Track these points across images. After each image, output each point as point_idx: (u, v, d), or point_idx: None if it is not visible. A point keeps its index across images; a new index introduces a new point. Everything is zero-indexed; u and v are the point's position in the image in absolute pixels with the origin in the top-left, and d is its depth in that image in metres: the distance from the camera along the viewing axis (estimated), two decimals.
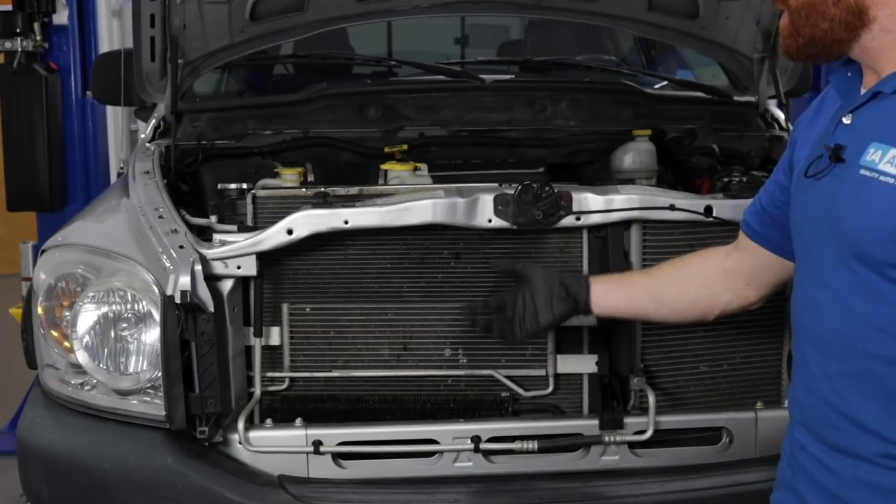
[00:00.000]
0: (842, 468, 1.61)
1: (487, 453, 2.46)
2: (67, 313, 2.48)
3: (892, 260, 1.50)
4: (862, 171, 1.54)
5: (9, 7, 4.77)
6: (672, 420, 2.51)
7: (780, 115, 3.37)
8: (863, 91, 1.62)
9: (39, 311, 2.54)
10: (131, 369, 2.44)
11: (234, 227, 2.52)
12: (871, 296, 1.54)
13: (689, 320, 2.13)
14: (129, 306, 2.42)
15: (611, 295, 2.13)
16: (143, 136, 3.45)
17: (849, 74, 1.65)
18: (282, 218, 2.42)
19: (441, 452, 2.47)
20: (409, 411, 2.56)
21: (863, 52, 1.60)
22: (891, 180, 1.49)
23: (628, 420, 2.47)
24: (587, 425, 2.49)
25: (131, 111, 4.32)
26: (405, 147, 3.16)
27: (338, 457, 2.46)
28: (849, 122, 1.61)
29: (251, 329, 2.50)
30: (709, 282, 2.04)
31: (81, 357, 2.44)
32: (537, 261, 2.53)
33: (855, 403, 1.58)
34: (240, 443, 2.43)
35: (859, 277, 1.55)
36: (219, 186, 2.74)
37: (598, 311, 2.15)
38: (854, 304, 1.56)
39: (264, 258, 2.44)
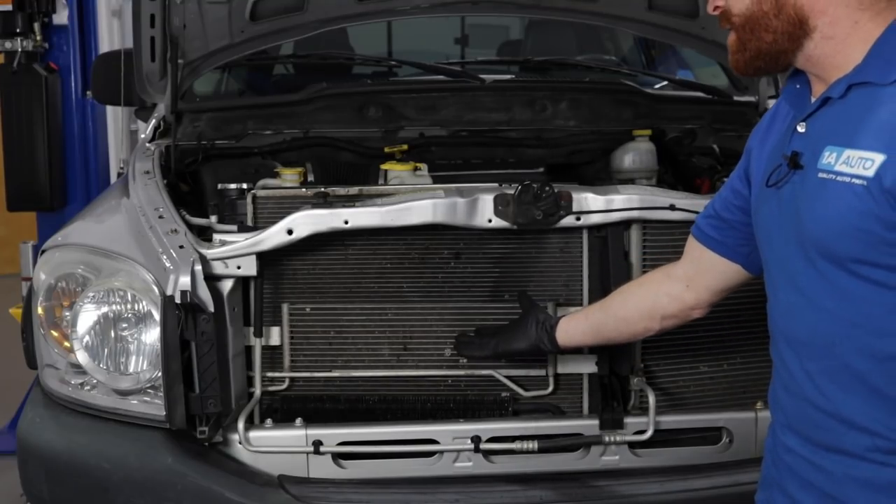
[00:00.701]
0: (832, 466, 1.63)
1: (487, 453, 2.46)
2: (67, 313, 2.48)
3: (855, 255, 1.55)
4: (820, 174, 1.59)
5: (9, 7, 4.77)
6: (672, 420, 2.51)
7: None
8: (813, 99, 1.68)
9: (39, 311, 2.54)
10: (131, 369, 2.44)
11: (234, 227, 2.52)
12: (840, 293, 1.58)
13: (637, 330, 2.19)
14: (129, 306, 2.42)
15: (572, 322, 2.28)
16: (143, 136, 3.45)
17: (797, 87, 1.72)
18: (282, 218, 2.42)
19: (441, 452, 2.46)
20: (409, 411, 2.56)
21: (807, 60, 1.66)
22: (847, 179, 1.54)
23: (628, 420, 2.47)
24: (587, 425, 2.49)
25: (131, 111, 4.32)
26: (405, 147, 3.16)
27: (338, 457, 2.46)
28: (803, 130, 1.66)
29: (251, 329, 2.50)
30: (651, 288, 2.13)
31: (81, 357, 2.44)
32: (537, 261, 2.54)
33: (838, 401, 1.60)
34: (240, 443, 2.43)
35: (827, 277, 1.59)
36: (219, 186, 2.75)
37: (563, 344, 2.30)
38: (826, 304, 1.60)
39: (264, 258, 2.44)
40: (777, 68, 1.70)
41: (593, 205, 2.45)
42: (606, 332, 2.24)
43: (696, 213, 2.43)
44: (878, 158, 1.51)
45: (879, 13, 1.60)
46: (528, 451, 2.44)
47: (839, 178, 1.55)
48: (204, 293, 2.34)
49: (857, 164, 1.53)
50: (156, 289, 2.37)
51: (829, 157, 1.58)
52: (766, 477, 1.80)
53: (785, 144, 1.70)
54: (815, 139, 1.63)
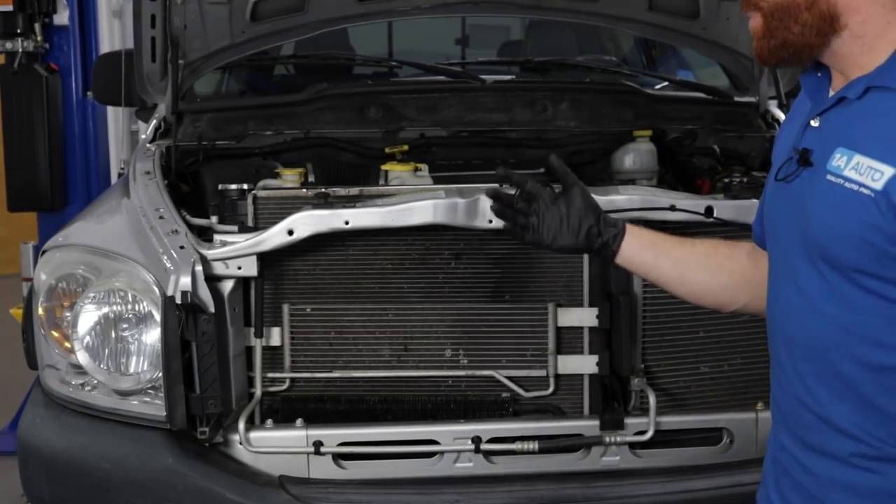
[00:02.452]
0: (819, 469, 1.63)
1: (488, 454, 2.46)
2: (68, 314, 2.48)
3: (857, 265, 1.52)
4: (828, 177, 1.55)
5: (9, 7, 4.77)
6: (673, 420, 2.51)
7: (781, 116, 3.36)
8: (831, 93, 1.64)
9: (40, 311, 2.54)
10: (132, 370, 2.44)
11: (235, 228, 2.52)
12: (839, 299, 1.56)
13: (703, 305, 2.04)
14: (129, 307, 2.42)
15: (641, 252, 1.99)
16: (143, 136, 3.45)
17: (818, 75, 1.68)
18: (282, 218, 2.42)
19: (442, 453, 2.46)
20: (409, 412, 2.56)
21: (832, 56, 1.62)
22: (855, 187, 1.50)
23: (629, 421, 2.47)
24: (588, 426, 2.49)
25: (132, 112, 4.31)
26: (406, 147, 3.16)
27: (338, 457, 2.46)
28: (817, 125, 1.63)
29: (252, 329, 2.50)
30: (732, 279, 1.98)
31: (82, 357, 2.44)
32: (538, 261, 2.53)
33: (827, 405, 1.60)
34: (240, 443, 2.43)
35: (830, 282, 1.57)
36: (219, 187, 2.74)
37: (620, 262, 2.01)
38: (826, 309, 1.58)
39: (265, 259, 2.44)
40: (800, 61, 1.66)
41: None
42: (669, 286, 2.00)
43: (697, 213, 2.45)
44: (888, 172, 1.48)
45: None
46: (528, 452, 2.44)
47: (847, 185, 1.52)
48: (204, 294, 2.34)
49: (866, 172, 1.50)
50: (156, 289, 2.37)
51: (839, 160, 1.55)
52: (765, 474, 1.80)
53: (798, 138, 1.67)
54: (828, 137, 1.60)
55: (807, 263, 1.60)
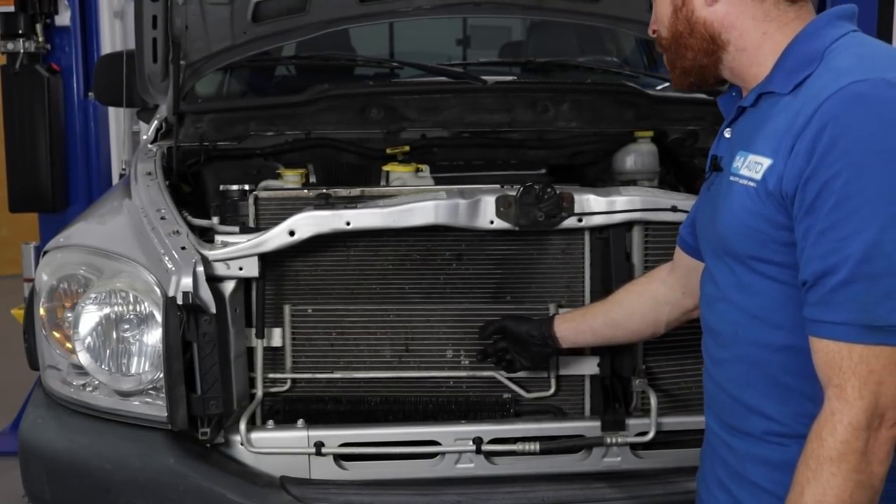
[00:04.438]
0: (737, 445, 1.78)
1: (489, 455, 2.46)
2: (69, 314, 2.48)
3: (751, 252, 1.67)
4: (731, 178, 1.71)
5: (11, 8, 4.78)
6: (674, 421, 2.51)
7: None
8: None
9: (41, 312, 2.54)
10: (133, 370, 2.44)
11: (237, 229, 2.52)
12: (742, 287, 1.70)
13: (644, 336, 2.34)
14: (130, 307, 2.42)
15: (577, 332, 2.35)
16: (144, 137, 3.45)
17: (732, 94, 1.84)
18: (284, 219, 2.42)
19: (443, 454, 2.46)
20: (410, 413, 2.56)
21: (731, 72, 1.78)
22: (745, 182, 1.66)
23: (630, 421, 2.47)
24: (589, 427, 2.49)
25: (133, 112, 4.32)
26: (407, 148, 3.16)
27: (340, 458, 2.46)
28: (729, 135, 1.80)
29: (253, 330, 2.50)
30: (652, 297, 2.23)
31: (83, 358, 2.44)
32: (539, 262, 2.54)
33: (742, 387, 1.75)
34: (242, 444, 2.43)
35: (734, 272, 1.72)
36: (221, 188, 2.74)
37: (567, 346, 2.36)
38: (733, 296, 1.73)
39: (266, 259, 2.44)
40: (708, 82, 1.82)
41: (595, 206, 2.45)
42: (616, 341, 2.37)
43: None
44: (766, 162, 1.62)
45: (787, 24, 1.69)
46: (529, 453, 2.44)
47: (741, 182, 1.67)
48: (206, 294, 2.34)
49: (752, 167, 1.65)
50: (158, 290, 2.37)
51: (737, 162, 1.70)
52: (701, 456, 1.96)
53: (715, 149, 1.85)
54: (734, 144, 1.75)
55: (717, 258, 1.77)
